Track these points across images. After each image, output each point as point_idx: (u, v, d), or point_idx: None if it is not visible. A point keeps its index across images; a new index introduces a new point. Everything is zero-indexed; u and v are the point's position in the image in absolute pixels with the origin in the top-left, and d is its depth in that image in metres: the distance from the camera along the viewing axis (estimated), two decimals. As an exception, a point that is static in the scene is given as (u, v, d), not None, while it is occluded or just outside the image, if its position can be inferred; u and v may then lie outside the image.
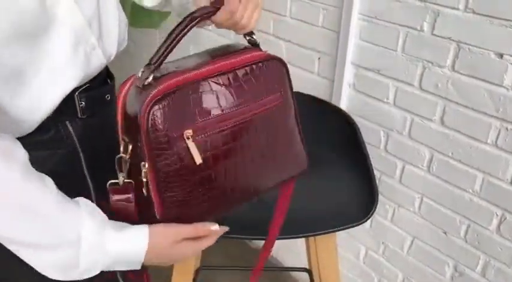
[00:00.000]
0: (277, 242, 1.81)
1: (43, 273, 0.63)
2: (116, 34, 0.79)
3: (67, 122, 0.73)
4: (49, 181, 0.64)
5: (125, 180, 0.65)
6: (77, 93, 0.73)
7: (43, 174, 0.64)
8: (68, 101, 0.71)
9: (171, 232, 0.67)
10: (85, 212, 0.64)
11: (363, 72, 1.27)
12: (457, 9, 1.02)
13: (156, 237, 0.66)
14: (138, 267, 0.67)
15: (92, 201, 0.80)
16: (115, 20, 0.78)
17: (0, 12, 0.55)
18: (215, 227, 0.69)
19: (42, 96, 0.65)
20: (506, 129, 1.03)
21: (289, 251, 1.80)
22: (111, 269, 0.66)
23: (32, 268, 0.70)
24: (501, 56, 0.99)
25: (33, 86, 0.63)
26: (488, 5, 0.98)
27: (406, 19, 1.12)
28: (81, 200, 0.67)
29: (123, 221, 0.66)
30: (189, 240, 0.68)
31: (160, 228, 0.66)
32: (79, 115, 0.75)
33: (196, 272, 1.34)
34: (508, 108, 1.01)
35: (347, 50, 1.27)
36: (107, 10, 0.76)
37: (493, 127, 1.05)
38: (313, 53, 1.39)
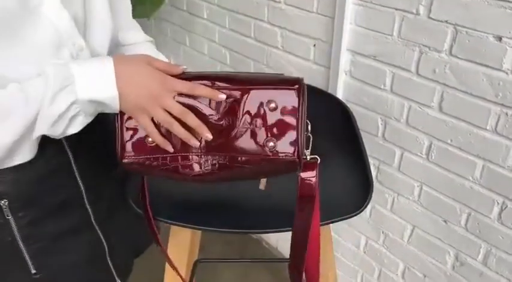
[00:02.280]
0: (277, 234, 1.80)
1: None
2: (105, 36, 0.79)
3: None
4: None
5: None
6: None
7: None
8: None
9: (139, 56, 0.66)
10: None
11: (359, 59, 1.24)
12: (454, -9, 0.99)
13: (123, 60, 0.65)
14: (113, 93, 0.63)
15: (84, 203, 0.81)
16: (104, 23, 0.79)
17: None
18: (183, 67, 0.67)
19: None
20: (506, 114, 1.00)
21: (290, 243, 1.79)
22: (81, 97, 0.63)
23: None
24: (500, 38, 0.95)
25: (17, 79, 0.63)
26: (485, -14, 0.94)
27: (401, 2, 1.09)
28: None
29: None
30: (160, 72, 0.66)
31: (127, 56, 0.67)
32: None
33: (195, 264, 1.32)
34: (507, 93, 0.98)
35: (342, 36, 1.23)
36: (95, 13, 0.76)
37: (493, 113, 1.02)
38: (308, 40, 1.36)
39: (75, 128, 0.66)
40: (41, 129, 0.64)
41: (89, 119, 0.67)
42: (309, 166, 0.70)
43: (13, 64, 0.64)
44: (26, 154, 0.68)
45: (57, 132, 0.65)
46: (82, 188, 0.81)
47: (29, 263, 0.78)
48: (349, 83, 1.30)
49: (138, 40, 0.91)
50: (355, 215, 0.89)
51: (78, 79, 0.62)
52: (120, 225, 0.92)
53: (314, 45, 1.35)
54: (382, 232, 1.42)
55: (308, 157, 0.70)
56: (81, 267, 0.86)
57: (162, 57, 0.86)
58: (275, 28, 1.46)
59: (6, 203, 0.73)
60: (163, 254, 0.92)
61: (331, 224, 0.94)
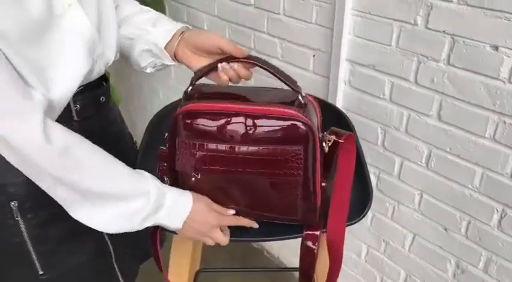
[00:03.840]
0: (279, 243, 1.80)
1: (109, 226, 0.74)
2: (115, 43, 0.81)
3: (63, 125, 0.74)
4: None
5: None
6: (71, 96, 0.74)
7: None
8: None
9: (206, 198, 0.78)
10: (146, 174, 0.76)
11: (358, 69, 1.26)
12: (451, 1, 1.00)
13: (197, 199, 0.77)
14: (179, 225, 0.76)
15: None
16: (115, 30, 0.81)
17: (8, 20, 0.60)
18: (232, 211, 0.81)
19: (60, 94, 0.70)
20: (504, 122, 1.01)
21: (292, 251, 1.79)
22: (160, 222, 0.76)
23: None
24: (496, 48, 0.97)
25: (55, 82, 0.68)
26: (481, -3, 0.96)
27: (399, 13, 1.11)
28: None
29: None
30: (216, 212, 0.79)
31: (199, 195, 0.78)
32: (75, 118, 0.78)
33: (197, 274, 1.32)
34: (505, 102, 0.99)
35: (341, 46, 1.25)
36: (108, 20, 0.79)
37: (491, 121, 1.03)
38: (307, 50, 1.38)
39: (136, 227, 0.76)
40: (117, 228, 0.75)
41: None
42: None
43: (40, 72, 0.66)
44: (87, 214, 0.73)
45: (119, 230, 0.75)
46: None
47: (37, 263, 0.79)
48: (348, 93, 1.31)
49: (138, 8, 0.91)
50: (355, 223, 0.90)
51: (166, 209, 0.75)
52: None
53: (313, 55, 1.37)
54: (383, 240, 1.42)
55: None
56: (87, 269, 0.87)
57: (166, 17, 0.88)
58: (275, 39, 1.47)
59: (16, 205, 0.74)
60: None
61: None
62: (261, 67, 0.74)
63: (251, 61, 0.75)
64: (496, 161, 1.05)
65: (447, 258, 1.26)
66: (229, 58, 0.75)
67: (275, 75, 0.73)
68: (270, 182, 0.73)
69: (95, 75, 0.78)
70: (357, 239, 1.51)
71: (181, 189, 0.77)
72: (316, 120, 0.74)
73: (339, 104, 1.33)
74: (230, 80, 0.77)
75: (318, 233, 0.80)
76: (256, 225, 0.81)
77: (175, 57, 0.83)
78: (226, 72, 0.76)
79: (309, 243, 0.80)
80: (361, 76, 1.26)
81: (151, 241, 0.84)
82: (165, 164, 0.78)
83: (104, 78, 0.85)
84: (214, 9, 1.65)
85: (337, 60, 1.27)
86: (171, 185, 0.78)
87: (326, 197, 0.79)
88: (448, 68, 1.06)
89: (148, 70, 0.89)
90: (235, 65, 0.76)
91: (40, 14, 0.63)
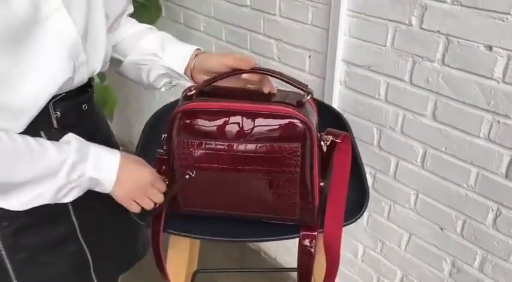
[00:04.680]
0: (276, 243, 1.81)
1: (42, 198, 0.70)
2: (103, 53, 0.80)
3: (42, 132, 0.73)
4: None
5: None
6: (51, 103, 0.72)
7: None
8: (42, 111, 0.70)
9: (135, 157, 0.79)
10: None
11: (354, 69, 1.26)
12: (445, 2, 1.01)
13: (125, 154, 0.77)
14: (112, 176, 0.74)
15: (70, 214, 0.82)
16: (103, 41, 0.80)
17: None
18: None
19: (31, 98, 0.69)
20: (498, 122, 1.02)
21: (289, 252, 1.79)
22: (91, 175, 0.72)
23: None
24: (490, 48, 0.97)
25: (21, 90, 0.67)
26: (475, -3, 0.97)
27: (394, 14, 1.11)
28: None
29: None
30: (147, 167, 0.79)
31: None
32: (55, 125, 0.75)
33: (194, 274, 1.33)
34: (499, 101, 1.00)
35: (337, 47, 1.25)
36: (96, 30, 0.77)
37: (485, 120, 1.04)
38: (303, 51, 1.38)
39: (67, 199, 0.73)
40: (47, 193, 0.70)
41: (80, 194, 0.74)
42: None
43: (21, 74, 0.65)
44: (12, 202, 0.71)
45: (53, 199, 0.72)
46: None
47: (11, 273, 0.77)
48: (344, 93, 1.32)
49: (139, 28, 0.93)
50: (351, 223, 0.90)
51: (91, 157, 0.72)
52: (106, 239, 0.91)
53: (309, 56, 1.37)
54: (380, 240, 1.43)
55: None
56: (65, 280, 0.84)
57: (169, 36, 0.92)
58: (271, 40, 1.48)
59: None
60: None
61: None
62: (269, 74, 0.76)
63: (257, 71, 0.77)
64: (490, 160, 1.06)
65: (443, 257, 1.26)
66: (236, 71, 0.78)
67: (283, 80, 0.74)
68: (267, 180, 0.74)
69: (77, 83, 0.76)
70: (353, 238, 1.51)
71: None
72: (314, 119, 0.75)
73: (335, 105, 1.33)
74: None
75: (315, 233, 0.80)
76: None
77: (191, 78, 0.87)
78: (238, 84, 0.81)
79: (306, 244, 0.81)
80: (356, 77, 1.26)
81: (152, 244, 0.84)
82: (164, 167, 0.78)
83: (87, 85, 0.82)
84: (211, 10, 1.66)
85: (333, 61, 1.28)
86: (169, 185, 0.79)
87: (323, 197, 0.79)
88: (443, 68, 1.07)
89: (163, 89, 0.92)
90: (245, 76, 0.79)
91: (25, 15, 0.63)
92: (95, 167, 0.72)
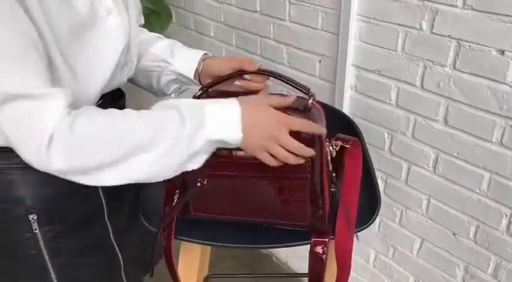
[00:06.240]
0: (287, 249, 1.80)
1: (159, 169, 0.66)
2: (136, 59, 0.84)
3: None
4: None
5: None
6: None
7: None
8: None
9: (259, 98, 0.72)
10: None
11: (364, 74, 1.26)
12: (456, 6, 1.01)
13: (242, 98, 0.69)
14: (237, 132, 0.66)
15: (104, 218, 0.83)
16: (137, 36, 0.85)
17: (63, 19, 0.64)
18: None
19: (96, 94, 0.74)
20: (511, 127, 1.00)
21: (300, 258, 1.79)
22: (213, 137, 0.66)
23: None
24: (502, 52, 0.97)
25: (93, 85, 0.72)
26: (487, 1, 0.96)
27: (404, 18, 1.11)
28: None
29: None
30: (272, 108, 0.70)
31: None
32: None
33: (205, 280, 1.33)
34: (511, 106, 0.99)
35: (347, 52, 1.25)
36: (133, 33, 0.82)
37: (498, 125, 1.03)
38: (313, 56, 1.38)
39: (196, 164, 0.68)
40: (174, 166, 0.66)
41: (208, 156, 0.69)
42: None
43: (90, 70, 0.70)
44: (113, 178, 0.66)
45: (178, 170, 0.68)
46: (104, 203, 0.83)
47: (53, 275, 0.81)
48: (354, 98, 1.31)
49: (148, 36, 0.96)
50: (363, 229, 0.90)
51: (210, 121, 0.66)
52: (134, 241, 0.94)
53: (319, 61, 1.37)
54: (391, 246, 1.42)
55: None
56: (99, 281, 0.88)
57: (177, 43, 0.93)
58: (281, 45, 1.48)
59: (35, 218, 0.76)
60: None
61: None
62: (271, 76, 0.77)
63: (260, 72, 0.79)
64: (503, 165, 1.05)
65: (456, 263, 1.25)
66: (241, 72, 0.80)
67: (286, 82, 0.75)
68: (278, 186, 0.74)
69: (118, 83, 0.81)
70: (364, 244, 1.50)
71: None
72: (322, 123, 0.75)
73: (346, 110, 1.33)
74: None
75: (326, 239, 0.80)
76: (324, 131, 0.71)
77: (199, 82, 0.89)
78: (242, 87, 0.82)
79: (318, 250, 0.81)
80: (367, 81, 1.26)
81: (164, 251, 0.84)
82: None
83: (120, 94, 0.88)
84: (221, 16, 1.67)
85: (343, 66, 1.28)
86: (180, 195, 0.79)
87: (334, 203, 0.79)
88: (454, 72, 1.06)
89: (173, 95, 0.94)
90: (248, 77, 0.81)
91: (87, 15, 0.67)
92: (217, 129, 0.66)
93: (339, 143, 0.76)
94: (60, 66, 0.65)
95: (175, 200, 0.80)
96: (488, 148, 1.06)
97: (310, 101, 0.72)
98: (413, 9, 1.08)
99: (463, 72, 1.05)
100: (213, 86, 0.81)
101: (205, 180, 0.75)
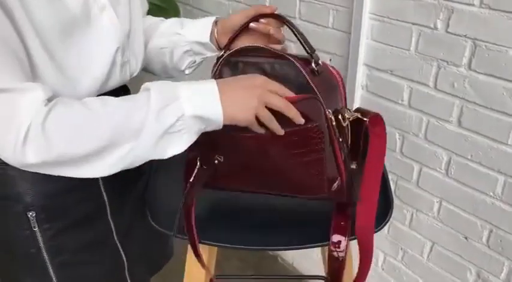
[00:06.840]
0: (294, 251, 1.78)
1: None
2: (142, 54, 0.83)
3: None
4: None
5: None
6: None
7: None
8: None
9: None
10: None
11: (376, 73, 1.24)
12: (472, 5, 0.98)
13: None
14: (216, 102, 0.62)
15: (107, 216, 0.81)
16: (142, 41, 0.84)
17: (51, 17, 0.62)
18: None
19: (89, 92, 0.70)
20: (528, 129, 0.98)
21: (307, 259, 1.77)
22: (189, 112, 0.61)
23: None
24: (520, 52, 0.94)
25: (84, 83, 0.69)
26: (505, 0, 0.93)
27: (418, 17, 1.08)
28: None
29: None
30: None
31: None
32: None
33: (211, 280, 1.31)
34: (529, 107, 0.97)
35: (359, 51, 1.23)
36: (137, 30, 0.80)
37: (514, 127, 1.00)
38: (324, 54, 1.36)
39: (179, 147, 0.63)
40: (145, 148, 0.61)
41: (194, 138, 0.64)
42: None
43: (81, 67, 0.68)
44: (97, 170, 0.63)
45: (161, 152, 0.63)
46: (106, 200, 0.81)
47: (52, 274, 0.79)
48: (366, 97, 1.29)
49: (154, 20, 0.93)
50: (377, 231, 0.88)
51: (184, 94, 0.61)
52: (139, 240, 0.92)
53: (330, 59, 1.35)
54: (401, 248, 1.40)
55: None
56: (101, 281, 0.86)
57: (188, 20, 0.91)
58: (291, 43, 1.46)
59: (34, 215, 0.74)
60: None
61: (349, 243, 0.93)
62: (285, 23, 0.79)
63: (276, 16, 0.81)
64: (519, 168, 1.03)
65: (467, 267, 1.23)
66: (258, 17, 0.80)
67: (294, 33, 0.76)
68: (291, 153, 0.70)
69: (118, 82, 0.78)
70: (374, 246, 1.48)
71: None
72: (334, 91, 0.75)
73: (356, 110, 1.31)
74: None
75: (345, 240, 0.78)
76: (301, 120, 0.66)
77: (218, 46, 0.85)
78: (258, 29, 0.80)
79: (336, 252, 0.79)
80: (378, 81, 1.24)
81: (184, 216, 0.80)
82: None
83: (124, 91, 0.85)
84: (229, 13, 1.65)
85: (355, 65, 1.26)
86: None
87: (356, 182, 0.76)
88: (469, 73, 1.04)
89: (187, 71, 0.90)
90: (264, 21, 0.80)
91: (79, 12, 0.66)
92: (193, 103, 0.62)
93: (357, 114, 0.73)
94: (41, 63, 0.63)
95: (195, 172, 0.76)
96: (504, 151, 1.04)
97: (315, 61, 0.73)
98: (428, 8, 1.06)
99: (479, 72, 1.02)
100: (232, 42, 0.79)
101: (222, 157, 0.73)
